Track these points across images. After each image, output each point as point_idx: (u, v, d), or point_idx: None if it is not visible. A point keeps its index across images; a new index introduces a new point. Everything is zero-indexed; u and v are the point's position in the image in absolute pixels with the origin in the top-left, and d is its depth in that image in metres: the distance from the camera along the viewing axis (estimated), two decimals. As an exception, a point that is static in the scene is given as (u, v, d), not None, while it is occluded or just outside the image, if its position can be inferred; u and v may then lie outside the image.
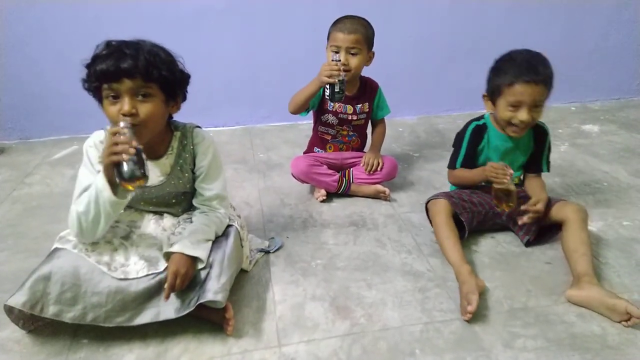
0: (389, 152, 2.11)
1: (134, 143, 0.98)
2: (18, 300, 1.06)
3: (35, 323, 1.18)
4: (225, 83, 2.50)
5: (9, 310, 1.10)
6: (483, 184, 1.55)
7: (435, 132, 2.53)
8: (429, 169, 2.08)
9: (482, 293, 1.27)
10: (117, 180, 1.00)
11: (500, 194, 1.38)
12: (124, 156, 0.96)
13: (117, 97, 1.06)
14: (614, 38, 2.79)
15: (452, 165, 1.61)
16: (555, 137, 2.29)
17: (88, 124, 1.20)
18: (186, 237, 1.16)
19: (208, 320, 1.18)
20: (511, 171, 1.37)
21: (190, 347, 1.14)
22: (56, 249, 1.12)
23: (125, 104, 1.05)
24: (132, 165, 0.97)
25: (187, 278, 1.12)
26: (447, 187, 1.85)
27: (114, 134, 0.99)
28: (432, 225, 1.51)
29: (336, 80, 1.53)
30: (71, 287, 1.07)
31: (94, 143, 1.15)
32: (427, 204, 1.55)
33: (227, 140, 2.43)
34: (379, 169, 1.83)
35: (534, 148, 1.57)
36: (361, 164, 1.85)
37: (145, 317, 1.11)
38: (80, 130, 2.32)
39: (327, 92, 1.57)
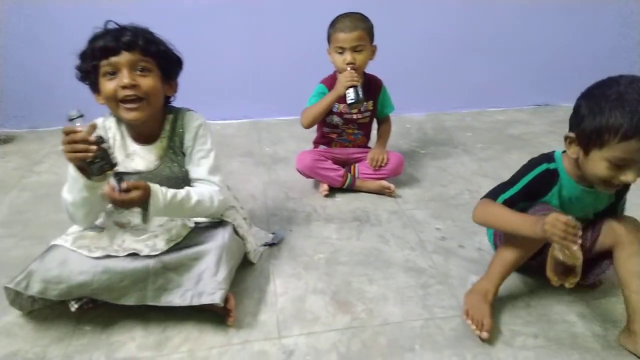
0: (395, 149, 2.10)
1: (92, 136, 0.98)
2: (10, 282, 1.09)
3: (34, 304, 1.18)
4: (233, 76, 2.50)
5: (8, 292, 1.12)
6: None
7: (442, 129, 2.52)
8: (435, 166, 2.07)
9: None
10: (89, 175, 1.02)
11: (561, 265, 1.00)
12: (88, 155, 0.98)
13: (114, 73, 1.09)
14: None
15: (492, 195, 1.19)
16: None
17: (96, 113, 1.22)
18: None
19: (209, 310, 1.18)
20: (580, 232, 0.98)
21: (191, 336, 1.15)
22: (52, 246, 1.14)
23: (125, 77, 1.08)
24: (99, 161, 0.99)
25: (128, 199, 1.04)
26: (454, 186, 1.85)
27: (68, 133, 0.98)
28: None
29: (358, 85, 1.62)
30: (57, 266, 1.08)
31: None
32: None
33: (234, 134, 2.44)
34: (384, 164, 1.82)
35: (614, 199, 1.21)
36: (367, 160, 1.84)
37: (131, 299, 1.11)
38: (87, 119, 2.33)
39: (351, 97, 1.62)
